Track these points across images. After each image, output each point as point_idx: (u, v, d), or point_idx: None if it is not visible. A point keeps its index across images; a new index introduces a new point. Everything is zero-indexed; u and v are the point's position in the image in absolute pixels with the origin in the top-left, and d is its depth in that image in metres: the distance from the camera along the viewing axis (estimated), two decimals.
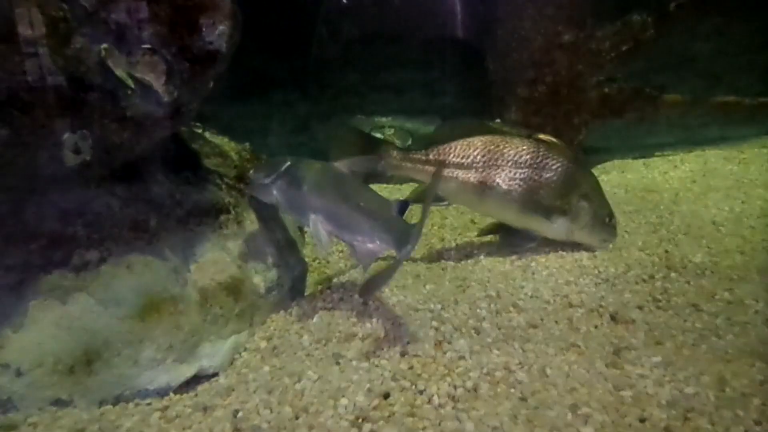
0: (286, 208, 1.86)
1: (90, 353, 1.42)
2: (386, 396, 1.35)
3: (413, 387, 1.39)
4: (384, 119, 4.05)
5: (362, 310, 1.81)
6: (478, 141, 2.20)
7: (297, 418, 1.30)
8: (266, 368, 1.55)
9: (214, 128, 2.46)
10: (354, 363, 1.51)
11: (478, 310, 1.81)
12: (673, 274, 2.05)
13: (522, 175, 2.14)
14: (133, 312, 1.51)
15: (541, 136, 2.22)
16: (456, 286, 2.01)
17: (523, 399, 1.33)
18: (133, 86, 1.47)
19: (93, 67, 1.42)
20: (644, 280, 2.01)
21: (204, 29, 1.59)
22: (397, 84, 4.43)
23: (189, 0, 1.52)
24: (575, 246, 2.36)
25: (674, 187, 3.28)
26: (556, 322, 1.74)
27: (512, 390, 1.36)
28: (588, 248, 2.30)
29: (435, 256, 2.42)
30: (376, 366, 1.49)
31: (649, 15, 3.72)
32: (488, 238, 2.56)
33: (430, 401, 1.33)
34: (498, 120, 3.76)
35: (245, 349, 1.70)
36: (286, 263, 2.01)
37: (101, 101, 1.45)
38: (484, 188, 2.17)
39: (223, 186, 1.97)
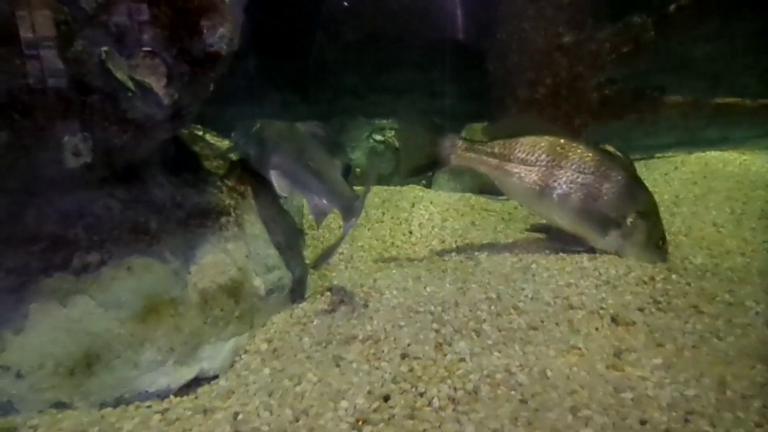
0: (255, 164, 2.03)
1: (90, 355, 1.42)
2: (386, 398, 1.35)
3: (413, 389, 1.38)
4: (384, 121, 4.05)
5: (363, 312, 1.81)
6: (544, 140, 2.19)
7: (297, 420, 1.29)
8: (266, 370, 1.55)
9: (213, 130, 2.46)
10: (354, 365, 1.51)
11: (478, 312, 1.80)
12: (673, 276, 2.05)
13: (583, 181, 2.13)
14: (134, 314, 1.51)
15: (606, 147, 2.22)
16: (456, 288, 2.01)
17: (524, 401, 1.32)
18: (133, 89, 1.47)
19: (93, 69, 1.42)
20: (645, 282, 2.01)
21: (204, 32, 1.59)
22: (397, 86, 4.43)
23: (189, 2, 1.53)
24: (575, 247, 2.36)
25: (675, 188, 3.28)
26: (557, 324, 1.74)
27: (512, 392, 1.36)
28: (588, 250, 2.30)
29: (436, 258, 2.42)
30: (377, 368, 1.49)
31: (649, 16, 3.72)
32: (486, 237, 2.56)
33: (430, 403, 1.33)
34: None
35: (245, 351, 1.70)
36: (286, 265, 2.01)
37: (102, 104, 1.45)
38: (544, 188, 2.17)
39: (224, 188, 1.97)
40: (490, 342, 1.62)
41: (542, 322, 1.75)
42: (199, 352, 1.61)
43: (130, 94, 1.47)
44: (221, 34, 1.60)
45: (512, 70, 3.83)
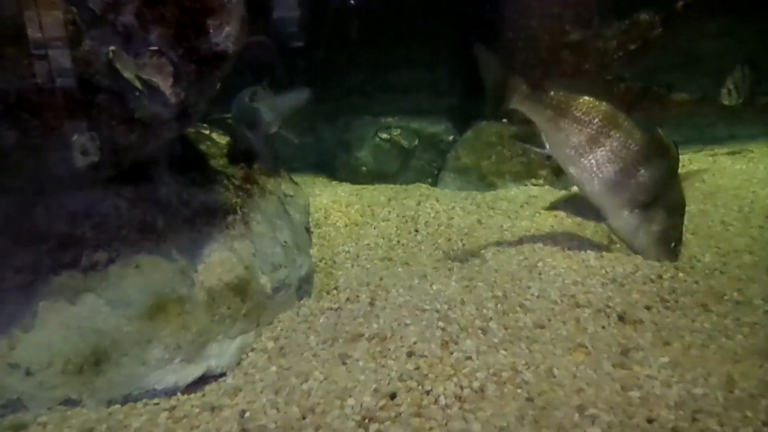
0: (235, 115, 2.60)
1: (99, 353, 1.44)
2: (393, 396, 1.35)
3: (420, 387, 1.39)
4: (390, 119, 4.05)
5: (369, 310, 1.81)
6: (603, 105, 2.15)
7: (304, 418, 1.30)
8: (273, 368, 1.56)
9: (220, 129, 2.47)
10: (361, 363, 1.51)
11: (484, 311, 1.80)
12: (681, 274, 2.03)
13: (626, 155, 2.10)
14: (141, 312, 1.52)
15: (662, 132, 2.18)
16: (463, 287, 2.01)
17: (530, 399, 1.32)
18: (140, 88, 1.48)
19: (101, 69, 1.43)
20: (652, 281, 2.00)
21: (211, 31, 1.60)
22: (403, 84, 4.43)
23: (196, 2, 1.53)
24: (582, 246, 2.35)
25: (683, 186, 3.25)
26: (564, 322, 1.73)
27: (519, 390, 1.36)
28: (596, 248, 2.29)
29: (442, 257, 2.42)
30: (383, 366, 1.49)
31: (656, 14, 3.70)
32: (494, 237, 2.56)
33: (436, 401, 1.33)
34: (504, 120, 3.76)
35: (252, 349, 1.71)
36: (293, 263, 2.02)
37: (109, 103, 1.46)
38: (587, 151, 2.14)
39: (230, 187, 1.98)
40: (496, 340, 1.62)
41: (549, 320, 1.74)
42: (206, 350, 1.62)
43: (137, 93, 1.48)
44: (227, 32, 1.61)
45: (519, 68, 3.82)
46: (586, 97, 2.16)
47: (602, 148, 2.11)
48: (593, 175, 2.16)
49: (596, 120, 2.13)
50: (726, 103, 3.00)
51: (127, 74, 1.46)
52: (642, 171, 2.09)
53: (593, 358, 1.50)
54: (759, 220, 2.60)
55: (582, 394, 1.33)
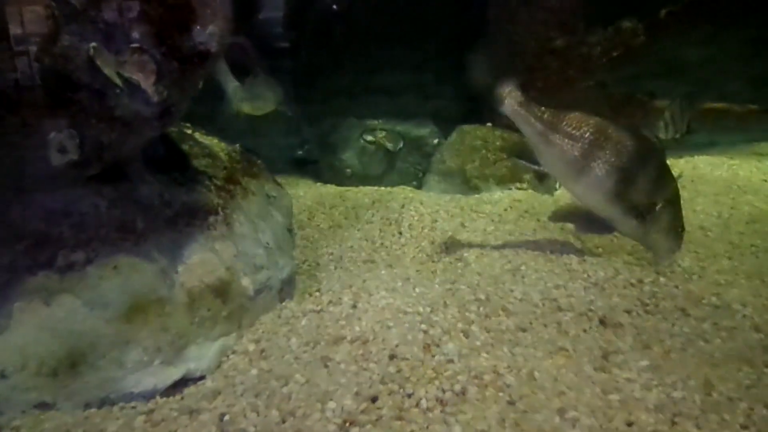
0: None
1: (75, 355, 1.41)
2: (374, 399, 1.35)
3: (401, 390, 1.38)
4: (376, 122, 4.04)
5: (351, 312, 1.80)
6: (592, 119, 2.18)
7: (284, 421, 1.29)
8: (254, 371, 1.54)
9: (203, 128, 2.44)
10: (342, 366, 1.50)
11: (467, 314, 1.80)
12: (661, 279, 2.06)
13: (622, 164, 2.12)
14: (120, 314, 1.49)
15: (645, 133, 2.22)
16: (446, 290, 2.01)
17: (512, 403, 1.32)
18: (121, 86, 1.45)
19: (81, 65, 1.40)
20: (633, 285, 2.02)
21: (194, 29, 1.58)
22: (389, 86, 4.43)
23: None
24: (565, 249, 2.37)
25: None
26: (545, 325, 1.74)
27: (500, 393, 1.36)
28: (579, 252, 2.31)
29: (425, 259, 2.42)
30: (365, 369, 1.48)
31: (640, 22, 3.75)
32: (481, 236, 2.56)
33: (418, 405, 1.33)
34: (489, 124, 3.78)
35: (233, 352, 1.68)
36: (275, 265, 2.00)
37: (89, 100, 1.44)
38: (583, 165, 2.16)
39: (212, 187, 1.96)
40: (478, 343, 1.62)
41: (531, 323, 1.75)
42: (185, 352, 1.59)
43: (118, 91, 1.46)
44: (211, 31, 1.59)
45: (504, 73, 3.84)
46: (576, 113, 2.19)
47: (598, 161, 2.14)
48: (595, 189, 2.19)
49: (587, 134, 2.16)
50: (662, 137, 3.09)
51: (108, 71, 1.43)
52: (640, 175, 2.12)
53: (574, 362, 1.51)
54: (739, 226, 2.64)
55: (563, 398, 1.34)
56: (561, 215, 2.54)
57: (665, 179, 2.15)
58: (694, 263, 2.20)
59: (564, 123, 2.18)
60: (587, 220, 2.32)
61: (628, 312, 1.82)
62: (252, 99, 3.30)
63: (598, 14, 3.75)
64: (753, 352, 1.54)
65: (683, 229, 2.18)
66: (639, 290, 1.98)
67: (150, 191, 1.75)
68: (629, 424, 1.24)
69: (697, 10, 3.78)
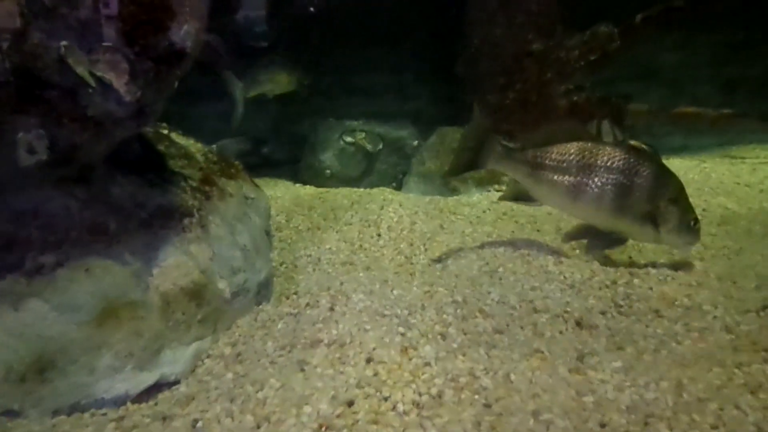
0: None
1: (44, 361, 1.37)
2: (350, 403, 1.34)
3: (378, 394, 1.37)
4: (355, 122, 4.04)
5: (329, 315, 1.79)
6: (573, 146, 2.25)
7: (258, 427, 1.27)
8: (229, 375, 1.52)
9: (180, 129, 2.41)
10: (318, 370, 1.49)
11: (444, 316, 1.81)
12: (635, 281, 2.09)
13: (614, 180, 2.18)
14: (91, 318, 1.46)
15: (632, 143, 2.26)
16: (423, 292, 2.01)
17: (487, 405, 1.33)
18: (93, 85, 1.42)
19: (51, 64, 1.37)
20: (607, 286, 2.05)
21: (169, 28, 1.55)
22: (369, 87, 4.43)
23: None
24: (542, 251, 2.39)
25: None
26: (522, 327, 1.75)
27: (476, 396, 1.36)
28: (555, 254, 2.33)
29: (404, 261, 2.42)
30: (341, 373, 1.47)
31: (616, 26, 3.81)
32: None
33: (394, 408, 1.32)
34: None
35: (208, 356, 1.66)
36: (252, 267, 1.98)
37: (59, 100, 1.41)
38: (576, 192, 2.22)
39: (188, 188, 1.93)
40: (455, 345, 1.62)
41: (507, 325, 1.76)
42: (159, 356, 1.56)
43: (90, 90, 1.43)
44: (187, 31, 1.57)
45: (483, 75, 3.87)
46: (556, 145, 2.26)
47: (590, 184, 2.19)
48: (596, 209, 2.24)
49: (573, 161, 2.22)
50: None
51: (80, 70, 1.40)
52: (635, 182, 2.16)
53: (549, 364, 1.52)
54: (710, 228, 2.69)
55: (537, 400, 1.35)
56: (572, 233, 2.56)
57: (663, 179, 2.19)
58: (667, 265, 2.23)
59: (547, 158, 2.25)
60: (596, 237, 2.36)
61: (603, 313, 1.84)
62: (264, 82, 3.63)
63: (575, 19, 3.81)
64: (723, 353, 1.56)
65: (697, 220, 2.21)
66: (614, 292, 2.00)
67: (123, 192, 1.71)
68: (603, 426, 1.25)
69: (672, 16, 3.85)
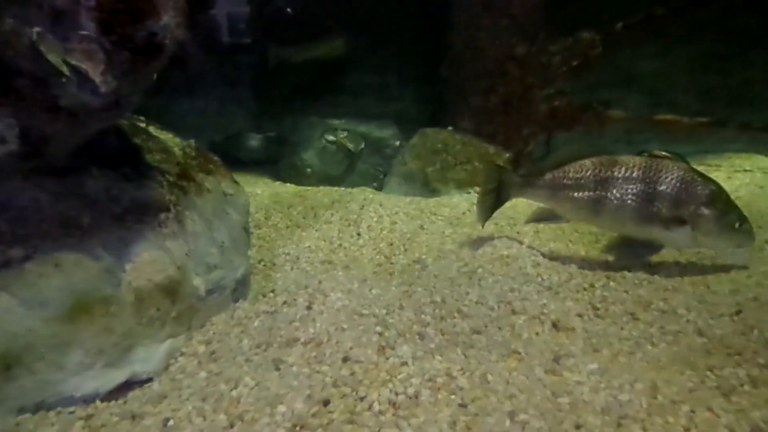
0: None
1: (9, 357, 1.33)
2: (326, 403, 1.32)
3: (354, 393, 1.36)
4: (337, 122, 4.02)
5: (306, 314, 1.77)
6: (588, 162, 2.30)
7: (232, 426, 1.25)
8: (202, 374, 1.49)
9: (158, 123, 2.37)
10: (294, 369, 1.47)
11: (423, 316, 1.80)
12: (612, 284, 2.11)
13: (634, 190, 2.20)
14: (60, 314, 1.42)
15: (655, 152, 2.28)
16: (402, 292, 2.00)
17: (463, 405, 1.32)
18: (67, 74, 1.38)
19: (23, 51, 1.33)
20: (585, 289, 2.06)
21: (148, 19, 1.52)
22: (352, 87, 4.42)
23: None
24: (521, 253, 2.40)
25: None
26: (500, 328, 1.76)
27: (453, 396, 1.36)
28: (534, 255, 2.35)
29: (383, 261, 2.41)
30: (317, 372, 1.46)
31: (597, 33, 3.85)
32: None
33: (370, 408, 1.31)
34: (450, 128, 3.80)
35: (182, 354, 1.63)
36: (229, 264, 1.94)
37: (31, 89, 1.36)
38: (597, 206, 2.26)
39: (165, 183, 1.89)
40: (433, 346, 1.62)
41: (485, 326, 1.76)
42: (131, 354, 1.53)
43: (63, 79, 1.39)
44: (166, 22, 1.54)
45: (466, 78, 3.88)
46: (572, 164, 2.32)
47: (611, 196, 2.23)
48: (620, 219, 2.27)
49: (590, 176, 2.27)
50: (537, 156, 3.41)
51: (53, 59, 1.36)
52: (659, 189, 2.18)
53: (526, 365, 1.52)
54: None
55: (514, 400, 1.35)
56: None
57: (691, 184, 2.19)
58: (644, 268, 2.25)
59: (565, 178, 2.32)
60: (628, 246, 2.40)
61: (580, 316, 1.85)
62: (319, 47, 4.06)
63: (558, 24, 3.85)
64: (696, 356, 1.58)
65: (743, 221, 2.19)
66: (591, 294, 2.02)
67: (97, 186, 1.67)
68: (578, 427, 1.26)
69: (652, 24, 3.91)
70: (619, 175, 2.23)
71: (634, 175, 2.22)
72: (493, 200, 2.48)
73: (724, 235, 2.20)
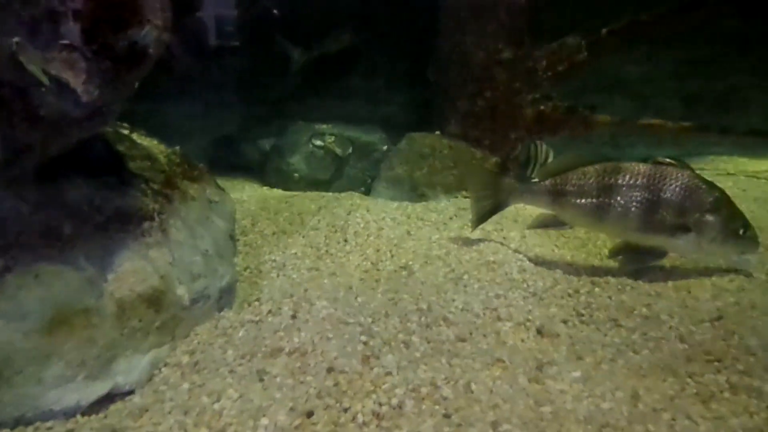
0: None
1: None
2: (309, 414, 1.32)
3: (338, 404, 1.36)
4: (325, 126, 4.01)
5: (291, 323, 1.77)
6: (591, 169, 2.31)
7: None
8: (185, 386, 1.48)
9: (143, 129, 2.35)
10: (278, 380, 1.47)
11: (408, 324, 1.80)
12: (596, 289, 2.13)
13: (637, 197, 2.21)
14: (41, 326, 1.40)
15: (659, 159, 2.28)
16: (388, 299, 2.00)
17: (447, 416, 1.33)
18: (47, 83, 1.37)
19: (2, 61, 1.31)
20: (569, 295, 2.08)
21: (130, 27, 1.51)
22: (339, 91, 4.42)
23: None
24: (507, 258, 2.41)
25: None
26: (485, 335, 1.76)
27: (437, 407, 1.36)
28: (520, 261, 2.36)
29: (370, 267, 2.41)
30: (301, 383, 1.45)
31: (583, 38, 3.89)
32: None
33: (354, 419, 1.31)
34: (437, 132, 3.81)
35: (165, 365, 1.62)
36: (214, 273, 1.93)
37: (10, 98, 1.35)
38: (600, 212, 2.27)
39: (149, 191, 1.88)
40: (418, 354, 1.62)
41: (471, 334, 1.77)
42: (113, 365, 1.51)
43: (43, 89, 1.37)
44: (148, 30, 1.53)
45: (453, 82, 3.90)
46: (575, 170, 2.33)
47: (614, 203, 2.24)
48: (623, 226, 2.27)
49: (593, 183, 2.28)
50: (527, 168, 3.47)
51: (33, 68, 1.35)
52: (663, 196, 2.19)
53: (510, 373, 1.53)
54: None
55: (497, 410, 1.35)
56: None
57: (695, 192, 2.20)
58: (628, 274, 2.27)
59: (568, 185, 2.33)
60: (633, 254, 2.37)
61: (565, 322, 1.87)
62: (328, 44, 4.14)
63: (543, 30, 3.88)
64: (677, 363, 1.60)
65: (747, 227, 2.19)
66: (576, 300, 2.03)
67: (79, 195, 1.66)
68: None
69: (637, 29, 3.95)
70: (622, 183, 2.24)
71: (639, 182, 2.23)
72: (490, 206, 2.50)
73: (729, 242, 2.21)
